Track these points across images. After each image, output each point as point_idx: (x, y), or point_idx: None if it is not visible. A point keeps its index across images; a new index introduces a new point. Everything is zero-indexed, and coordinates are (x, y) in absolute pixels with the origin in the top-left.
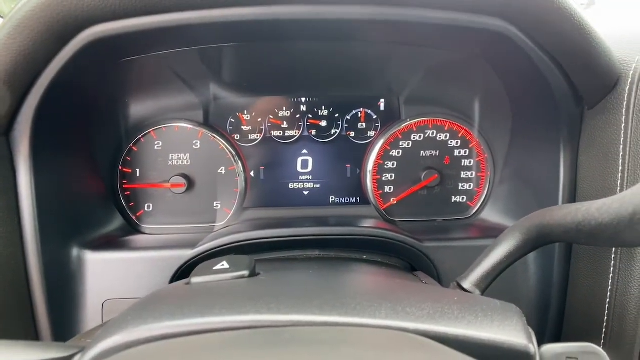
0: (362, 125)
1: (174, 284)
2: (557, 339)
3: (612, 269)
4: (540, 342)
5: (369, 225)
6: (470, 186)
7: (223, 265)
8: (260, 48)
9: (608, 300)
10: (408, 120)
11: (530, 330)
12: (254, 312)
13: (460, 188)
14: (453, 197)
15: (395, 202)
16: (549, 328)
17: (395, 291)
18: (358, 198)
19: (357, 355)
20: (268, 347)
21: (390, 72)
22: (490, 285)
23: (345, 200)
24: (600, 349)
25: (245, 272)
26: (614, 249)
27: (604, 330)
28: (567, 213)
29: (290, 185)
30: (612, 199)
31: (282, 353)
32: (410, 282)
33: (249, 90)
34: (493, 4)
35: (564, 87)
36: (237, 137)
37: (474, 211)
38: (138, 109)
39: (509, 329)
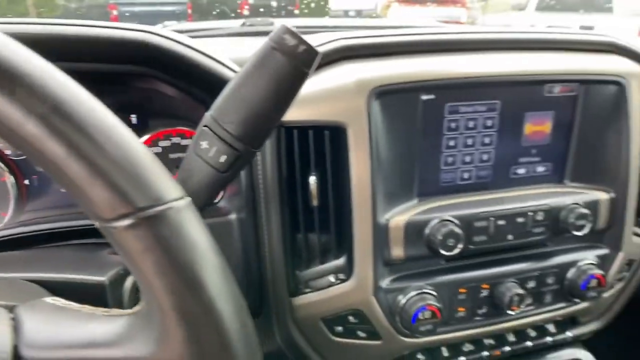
0: None
1: None
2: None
3: None
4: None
5: None
6: None
7: None
8: None
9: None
10: (157, 129)
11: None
12: None
13: None
14: None
15: None
16: (253, 280)
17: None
18: None
19: None
20: None
21: None
22: None
23: None
24: None
25: None
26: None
27: None
28: None
29: (63, 189)
30: None
31: None
32: None
33: None
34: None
35: None
36: (8, 152)
37: (220, 196)
38: None
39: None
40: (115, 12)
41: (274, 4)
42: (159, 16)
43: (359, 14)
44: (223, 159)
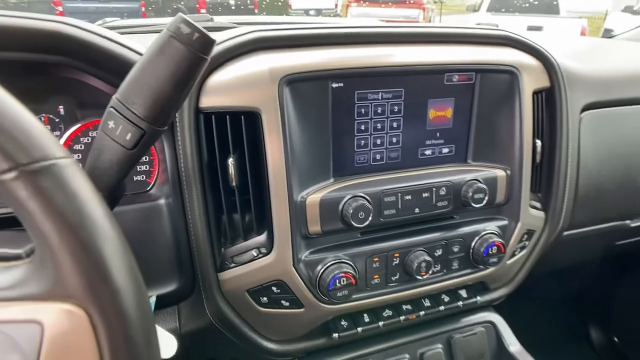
0: (48, 127)
1: None
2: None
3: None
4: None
5: None
6: (146, 167)
7: None
8: None
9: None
10: (87, 119)
11: None
12: None
13: (137, 169)
14: (134, 176)
15: None
16: (184, 259)
17: None
18: None
19: None
20: None
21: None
22: None
23: None
24: None
25: None
26: None
27: None
28: None
29: None
30: None
31: None
32: None
33: None
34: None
35: None
36: None
37: (152, 185)
38: None
39: None
40: (60, 9)
41: (232, 2)
42: (110, 13)
43: (319, 13)
44: (129, 136)
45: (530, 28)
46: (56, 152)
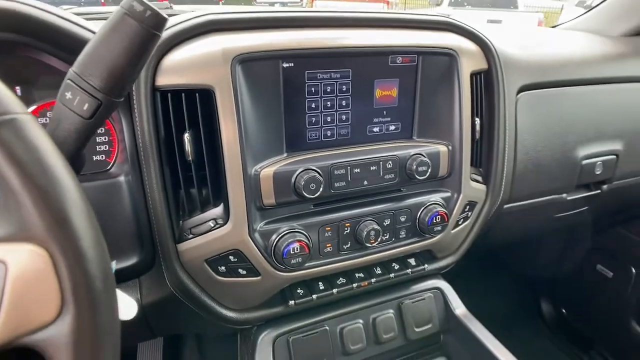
0: None
1: None
2: (153, 241)
3: None
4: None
5: None
6: (105, 147)
7: None
8: None
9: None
10: (44, 100)
11: None
12: None
13: (97, 150)
14: (94, 156)
15: None
16: (144, 232)
17: None
18: None
19: None
20: None
21: None
22: None
23: None
24: None
25: None
26: None
27: None
28: None
29: None
30: None
31: None
32: None
33: None
34: None
35: None
36: None
37: (111, 164)
38: None
39: None
40: None
41: None
42: (67, 2)
43: (284, 6)
44: (86, 107)
45: (490, 21)
46: (16, 108)
